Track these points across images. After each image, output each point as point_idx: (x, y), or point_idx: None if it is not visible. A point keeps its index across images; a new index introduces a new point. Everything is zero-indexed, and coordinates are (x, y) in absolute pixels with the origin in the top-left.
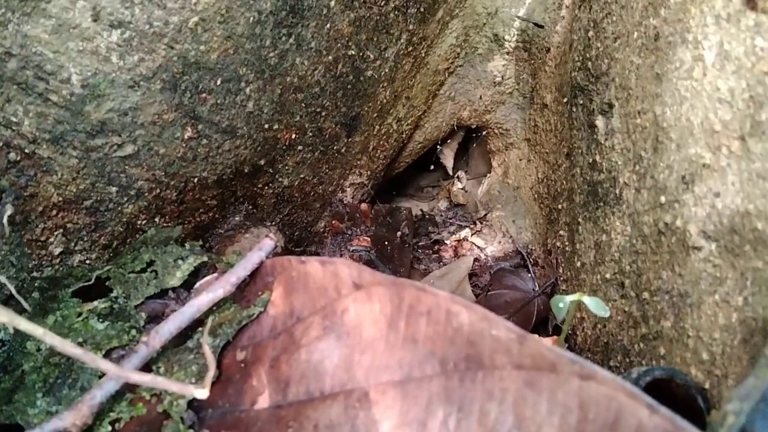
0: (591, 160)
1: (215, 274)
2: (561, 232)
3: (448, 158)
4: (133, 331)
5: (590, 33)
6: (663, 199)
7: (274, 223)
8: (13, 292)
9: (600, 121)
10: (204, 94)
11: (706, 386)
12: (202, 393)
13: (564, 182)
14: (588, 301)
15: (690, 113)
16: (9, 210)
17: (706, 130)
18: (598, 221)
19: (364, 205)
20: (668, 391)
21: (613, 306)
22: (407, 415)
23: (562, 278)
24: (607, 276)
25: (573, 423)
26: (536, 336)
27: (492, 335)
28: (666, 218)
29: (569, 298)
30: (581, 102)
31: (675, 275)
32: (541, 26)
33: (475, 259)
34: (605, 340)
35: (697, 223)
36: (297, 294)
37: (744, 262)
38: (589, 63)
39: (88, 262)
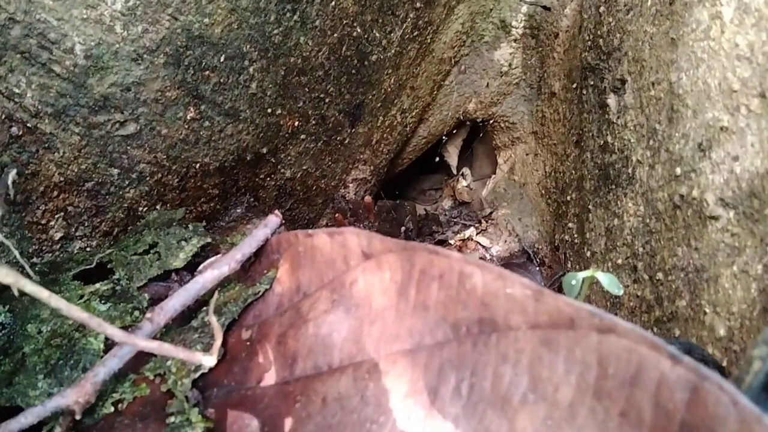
0: (602, 142)
1: (219, 255)
2: (569, 225)
3: (452, 155)
4: (136, 313)
5: (601, 8)
6: (678, 170)
7: None
8: (17, 256)
9: (612, 100)
10: (207, 72)
11: (724, 364)
12: (209, 360)
13: (573, 171)
14: (602, 277)
15: (707, 75)
16: (12, 176)
17: (724, 91)
18: (609, 205)
19: (368, 198)
20: None
21: (626, 292)
22: (418, 383)
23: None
24: (619, 261)
25: (591, 380)
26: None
27: (507, 294)
28: (682, 190)
29: (582, 274)
30: (592, 83)
31: (691, 250)
32: (548, 8)
33: (481, 259)
34: None
35: (715, 191)
36: (304, 269)
37: (764, 227)
38: (600, 40)
39: (88, 249)
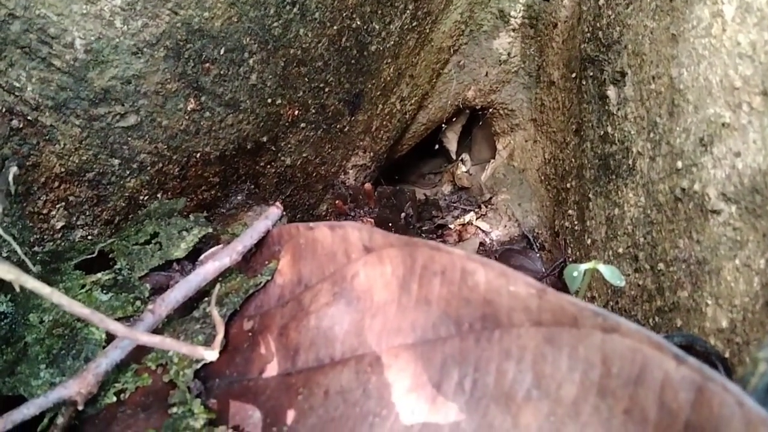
0: (602, 133)
1: (221, 245)
2: (570, 212)
3: (451, 141)
4: (138, 302)
5: (601, 1)
6: (679, 164)
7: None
8: (19, 252)
9: (612, 92)
10: (207, 64)
11: (726, 355)
12: (211, 354)
13: (573, 160)
14: (603, 269)
15: (708, 72)
16: (13, 172)
17: (726, 88)
18: (609, 195)
19: (368, 185)
20: None
21: (627, 281)
22: (421, 378)
23: (570, 259)
24: (620, 250)
25: (595, 378)
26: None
27: (510, 292)
28: (683, 184)
29: (584, 266)
30: (591, 74)
31: (692, 242)
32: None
33: (481, 244)
34: None
35: (716, 186)
36: (305, 261)
37: (766, 222)
38: (600, 33)
39: (89, 237)
